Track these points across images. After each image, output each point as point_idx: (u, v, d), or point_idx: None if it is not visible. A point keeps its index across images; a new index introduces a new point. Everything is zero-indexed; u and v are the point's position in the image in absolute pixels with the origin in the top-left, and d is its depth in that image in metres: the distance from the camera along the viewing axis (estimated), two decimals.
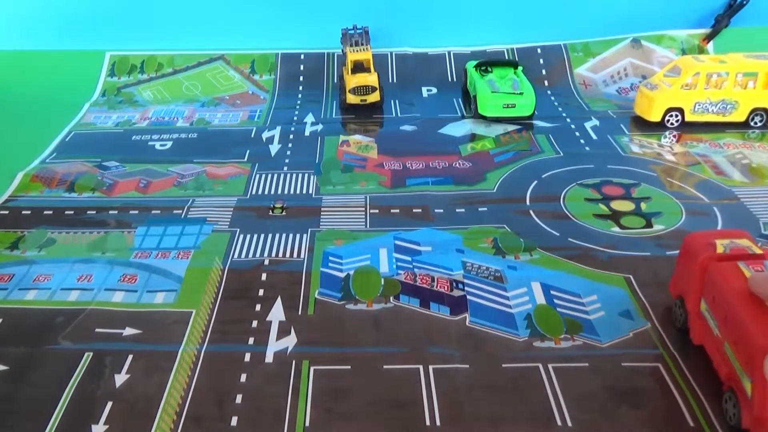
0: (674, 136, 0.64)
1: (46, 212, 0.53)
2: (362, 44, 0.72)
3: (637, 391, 0.35)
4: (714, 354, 0.35)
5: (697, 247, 0.37)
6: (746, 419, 0.32)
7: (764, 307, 0.32)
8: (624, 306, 0.42)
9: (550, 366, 0.37)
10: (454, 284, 0.43)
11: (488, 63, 0.72)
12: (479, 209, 0.52)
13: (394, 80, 0.79)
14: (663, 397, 0.35)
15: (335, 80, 0.78)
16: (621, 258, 0.46)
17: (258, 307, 0.42)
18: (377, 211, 0.52)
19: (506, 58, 0.79)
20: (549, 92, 0.75)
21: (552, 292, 0.43)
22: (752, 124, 0.65)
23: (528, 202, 0.53)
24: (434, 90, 0.77)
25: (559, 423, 0.33)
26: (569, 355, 0.38)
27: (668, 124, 0.66)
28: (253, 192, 0.56)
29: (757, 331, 0.31)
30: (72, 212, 0.53)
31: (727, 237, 0.37)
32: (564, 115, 0.70)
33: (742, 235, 0.37)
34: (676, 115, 0.65)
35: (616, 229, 0.49)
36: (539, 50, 0.80)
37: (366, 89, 0.70)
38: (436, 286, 0.43)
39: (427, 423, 0.34)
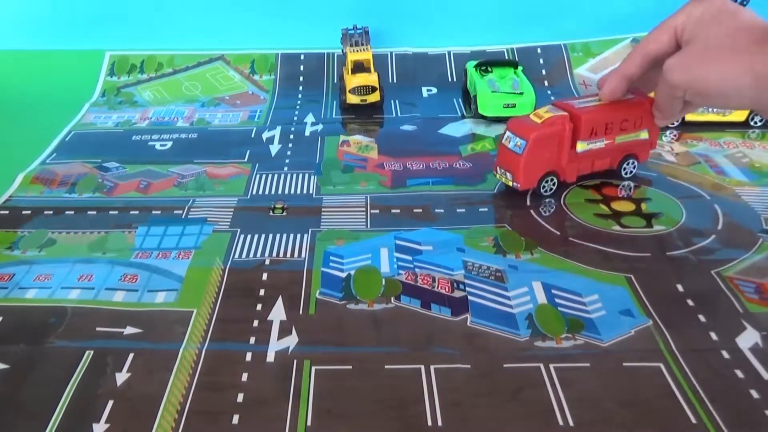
0: (674, 136, 0.64)
1: (46, 212, 0.53)
2: (362, 44, 0.72)
3: (638, 389, 0.35)
4: None
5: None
6: None
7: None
8: (625, 304, 0.42)
9: (551, 366, 0.37)
10: (455, 285, 0.43)
11: (488, 63, 0.72)
12: (480, 209, 0.52)
13: (394, 80, 0.79)
14: (665, 396, 0.35)
15: (335, 80, 0.78)
16: (622, 257, 0.46)
17: (259, 307, 0.42)
18: (378, 211, 0.52)
19: (506, 58, 0.79)
20: (549, 92, 0.75)
21: (553, 291, 0.43)
22: (752, 123, 0.65)
23: (528, 202, 0.53)
24: (434, 90, 0.77)
25: (560, 422, 0.33)
26: (570, 355, 0.38)
27: (668, 124, 0.66)
28: (254, 192, 0.56)
29: None
30: (72, 212, 0.53)
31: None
32: None
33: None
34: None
35: (617, 228, 0.49)
36: (539, 50, 0.80)
37: (366, 89, 0.70)
38: (437, 287, 0.43)
39: (429, 423, 0.34)
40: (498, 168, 0.52)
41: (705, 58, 0.40)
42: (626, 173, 0.55)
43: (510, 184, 0.52)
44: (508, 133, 0.51)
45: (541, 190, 0.52)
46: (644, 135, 0.53)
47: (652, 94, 0.49)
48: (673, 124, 0.66)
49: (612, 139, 0.52)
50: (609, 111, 0.50)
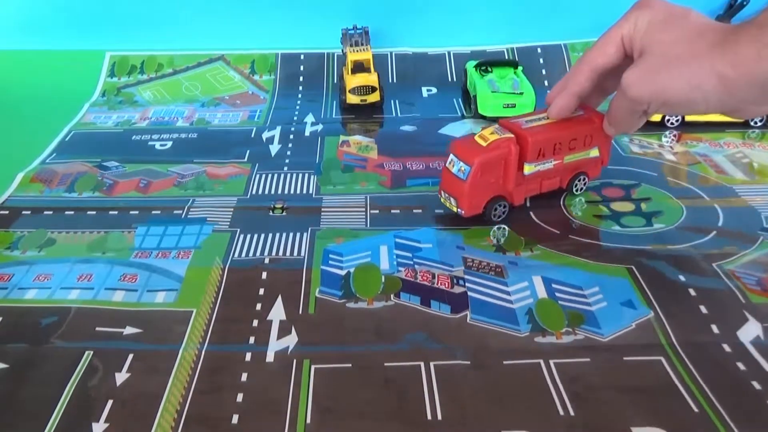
0: (674, 136, 0.64)
1: (46, 212, 0.53)
2: (362, 44, 0.72)
3: (640, 382, 0.36)
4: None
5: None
6: None
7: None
8: (626, 295, 0.42)
9: (551, 361, 0.37)
10: (455, 280, 0.43)
11: (488, 63, 0.72)
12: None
13: (394, 80, 0.79)
14: (666, 388, 0.35)
15: (335, 80, 0.78)
16: (623, 250, 0.46)
17: (258, 306, 0.42)
18: (377, 211, 0.52)
19: (506, 58, 0.79)
20: (549, 92, 0.75)
21: (553, 285, 0.43)
22: (752, 123, 0.65)
23: (528, 203, 0.53)
24: (434, 90, 0.77)
25: (561, 417, 0.33)
26: (571, 349, 0.38)
27: (668, 124, 0.66)
28: (254, 192, 0.56)
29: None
30: (72, 212, 0.53)
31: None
32: None
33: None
34: (676, 115, 0.65)
35: (617, 227, 0.49)
36: (539, 50, 0.80)
37: (366, 89, 0.70)
38: (437, 283, 0.43)
39: (429, 418, 0.34)
40: (442, 192, 0.50)
41: (665, 69, 0.38)
42: (577, 190, 0.53)
43: (454, 210, 0.49)
44: (451, 157, 0.48)
45: (492, 216, 0.49)
46: (594, 153, 0.51)
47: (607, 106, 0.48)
48: (673, 124, 0.66)
49: (561, 159, 0.49)
50: (557, 130, 0.48)
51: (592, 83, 0.44)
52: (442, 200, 0.50)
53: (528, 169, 0.48)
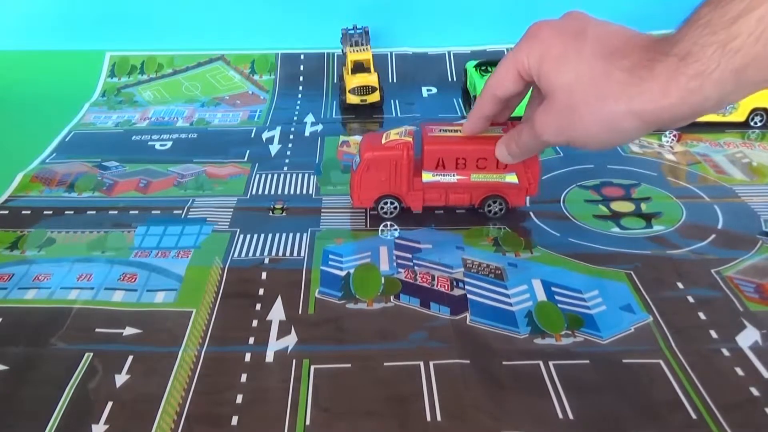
0: (674, 136, 0.64)
1: (46, 212, 0.53)
2: (362, 44, 0.72)
3: (638, 385, 0.35)
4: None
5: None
6: None
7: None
8: (626, 299, 0.42)
9: (550, 363, 0.37)
10: (455, 283, 0.43)
11: (488, 63, 0.72)
12: (479, 210, 0.52)
13: (394, 80, 0.79)
14: (665, 392, 0.35)
15: (335, 80, 0.78)
16: (622, 254, 0.46)
17: (258, 307, 0.42)
18: (376, 212, 0.52)
19: None
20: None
21: (553, 288, 0.43)
22: (752, 124, 0.65)
23: (528, 204, 0.53)
24: (434, 90, 0.77)
25: (560, 419, 0.33)
26: (570, 352, 0.38)
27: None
28: (253, 192, 0.56)
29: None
30: (72, 212, 0.53)
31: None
32: None
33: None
34: None
35: (616, 229, 0.49)
36: None
37: (366, 89, 0.70)
38: (437, 285, 0.43)
39: (428, 419, 0.34)
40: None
41: (576, 116, 0.35)
42: (490, 213, 0.50)
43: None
44: (358, 147, 0.50)
45: (380, 212, 0.50)
46: (512, 178, 0.48)
47: None
48: None
49: (467, 176, 0.48)
50: (461, 145, 0.47)
51: (498, 108, 0.43)
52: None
53: (426, 177, 0.48)
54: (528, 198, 0.51)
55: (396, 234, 0.49)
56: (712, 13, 0.29)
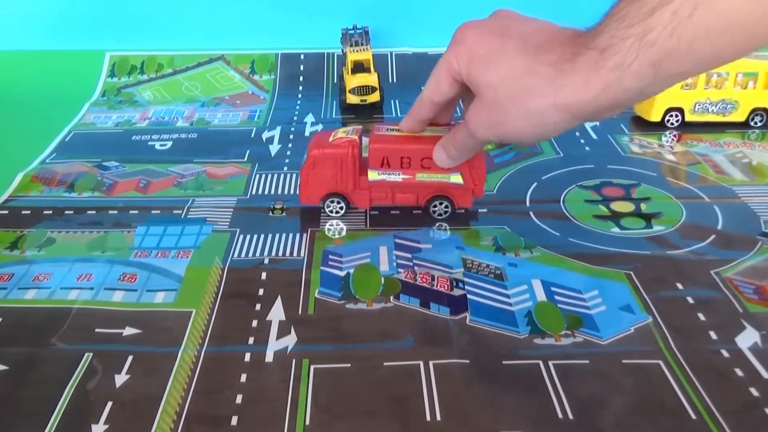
0: (674, 136, 0.64)
1: (45, 212, 0.53)
2: (362, 44, 0.72)
3: (638, 385, 0.35)
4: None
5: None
6: None
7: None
8: (625, 300, 0.42)
9: (550, 363, 0.37)
10: (455, 283, 0.43)
11: None
12: (479, 210, 0.52)
13: (394, 80, 0.79)
14: (664, 392, 0.35)
15: (335, 80, 0.78)
16: (622, 255, 0.46)
17: (258, 307, 0.42)
18: (377, 212, 0.52)
19: None
20: None
21: (553, 289, 0.43)
22: (752, 124, 0.65)
23: (528, 204, 0.53)
24: None
25: (560, 419, 0.33)
26: (570, 352, 0.38)
27: (668, 124, 0.66)
28: (253, 192, 0.56)
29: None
30: (72, 212, 0.53)
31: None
32: None
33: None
34: (676, 115, 0.65)
35: (616, 230, 0.49)
36: None
37: (366, 89, 0.70)
38: (437, 285, 0.43)
39: (428, 419, 0.34)
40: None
41: (504, 113, 0.36)
42: (436, 214, 0.50)
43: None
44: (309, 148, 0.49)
45: (326, 210, 0.51)
46: (456, 179, 0.48)
47: None
48: (673, 124, 0.66)
49: (412, 175, 0.48)
50: (406, 144, 0.47)
51: (436, 111, 0.44)
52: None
53: (372, 175, 0.48)
54: (475, 199, 0.50)
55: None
56: (629, 6, 0.30)
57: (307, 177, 0.49)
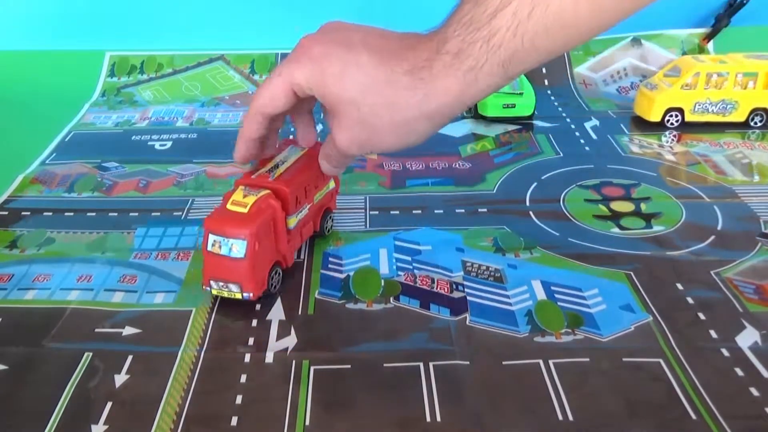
0: (674, 136, 0.64)
1: (45, 213, 0.53)
2: None
3: (638, 384, 0.36)
4: None
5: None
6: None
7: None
8: (625, 299, 0.42)
9: (550, 361, 0.37)
10: (454, 286, 0.43)
11: None
12: (479, 210, 0.52)
13: None
14: (665, 391, 0.35)
15: None
16: (622, 255, 0.46)
17: (258, 307, 0.42)
18: (377, 212, 0.52)
19: None
20: (549, 92, 0.75)
21: (552, 288, 0.43)
22: (752, 124, 0.65)
23: (528, 203, 0.53)
24: None
25: (560, 417, 0.33)
26: (570, 350, 0.38)
27: (668, 124, 0.66)
28: None
29: None
30: (72, 213, 0.53)
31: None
32: (564, 114, 0.70)
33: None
34: (676, 115, 0.65)
35: (616, 230, 0.49)
36: None
37: None
38: (436, 288, 0.43)
39: (428, 420, 0.34)
40: (211, 282, 0.41)
41: (370, 130, 0.35)
42: (328, 230, 0.48)
43: (238, 296, 0.41)
44: (212, 237, 0.40)
45: (271, 288, 0.42)
46: (332, 184, 0.48)
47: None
48: (673, 125, 0.66)
49: (312, 201, 0.45)
50: (303, 172, 0.44)
51: (267, 127, 0.40)
52: (214, 292, 0.41)
53: (292, 222, 0.43)
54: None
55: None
56: (474, 9, 0.31)
57: (252, 264, 0.39)
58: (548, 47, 0.31)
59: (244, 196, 0.41)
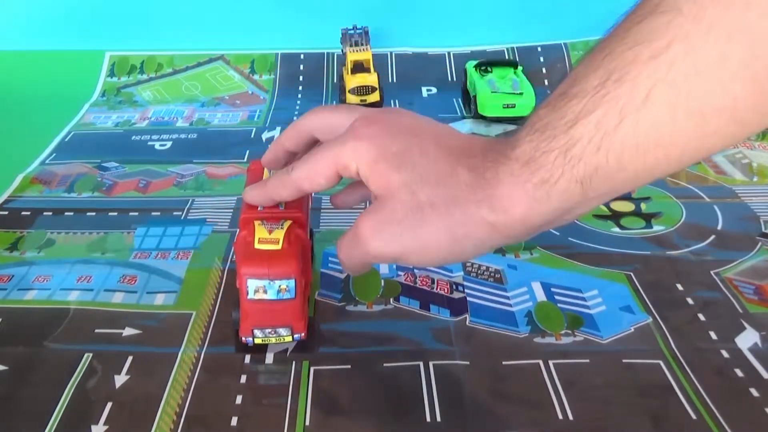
0: None
1: (45, 213, 0.53)
2: (362, 44, 0.72)
3: (638, 386, 0.36)
4: None
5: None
6: None
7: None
8: (625, 300, 0.42)
9: (550, 362, 0.37)
10: (454, 287, 0.43)
11: (488, 63, 0.72)
12: None
13: (394, 80, 0.79)
14: (664, 392, 0.35)
15: (335, 80, 0.78)
16: (622, 256, 0.46)
17: None
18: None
19: (506, 58, 0.79)
20: (549, 92, 0.75)
21: (552, 289, 0.43)
22: None
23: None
24: (434, 90, 0.77)
25: (560, 418, 0.33)
26: (570, 351, 0.38)
27: None
28: None
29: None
30: (72, 213, 0.53)
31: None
32: None
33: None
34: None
35: (616, 229, 0.49)
36: (540, 49, 0.80)
37: (366, 89, 0.70)
38: (436, 288, 0.43)
39: (428, 420, 0.34)
40: (255, 331, 0.37)
41: (417, 220, 0.29)
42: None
43: (289, 339, 0.38)
44: (253, 283, 0.36)
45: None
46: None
47: None
48: None
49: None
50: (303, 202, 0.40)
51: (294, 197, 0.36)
52: (258, 341, 0.37)
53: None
54: None
55: None
56: (550, 114, 0.26)
57: (304, 302, 0.38)
58: (638, 168, 0.25)
59: (270, 232, 0.37)
